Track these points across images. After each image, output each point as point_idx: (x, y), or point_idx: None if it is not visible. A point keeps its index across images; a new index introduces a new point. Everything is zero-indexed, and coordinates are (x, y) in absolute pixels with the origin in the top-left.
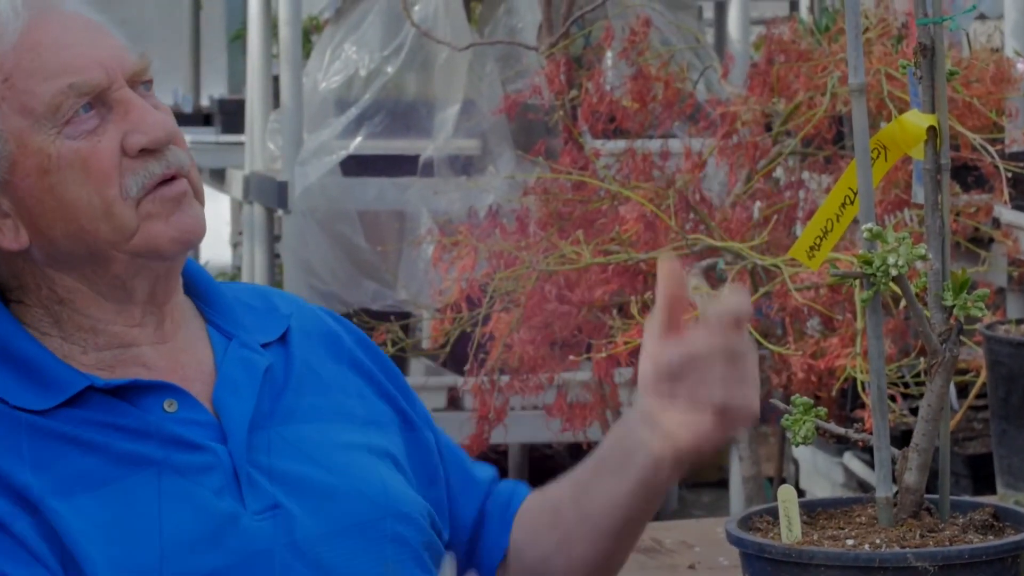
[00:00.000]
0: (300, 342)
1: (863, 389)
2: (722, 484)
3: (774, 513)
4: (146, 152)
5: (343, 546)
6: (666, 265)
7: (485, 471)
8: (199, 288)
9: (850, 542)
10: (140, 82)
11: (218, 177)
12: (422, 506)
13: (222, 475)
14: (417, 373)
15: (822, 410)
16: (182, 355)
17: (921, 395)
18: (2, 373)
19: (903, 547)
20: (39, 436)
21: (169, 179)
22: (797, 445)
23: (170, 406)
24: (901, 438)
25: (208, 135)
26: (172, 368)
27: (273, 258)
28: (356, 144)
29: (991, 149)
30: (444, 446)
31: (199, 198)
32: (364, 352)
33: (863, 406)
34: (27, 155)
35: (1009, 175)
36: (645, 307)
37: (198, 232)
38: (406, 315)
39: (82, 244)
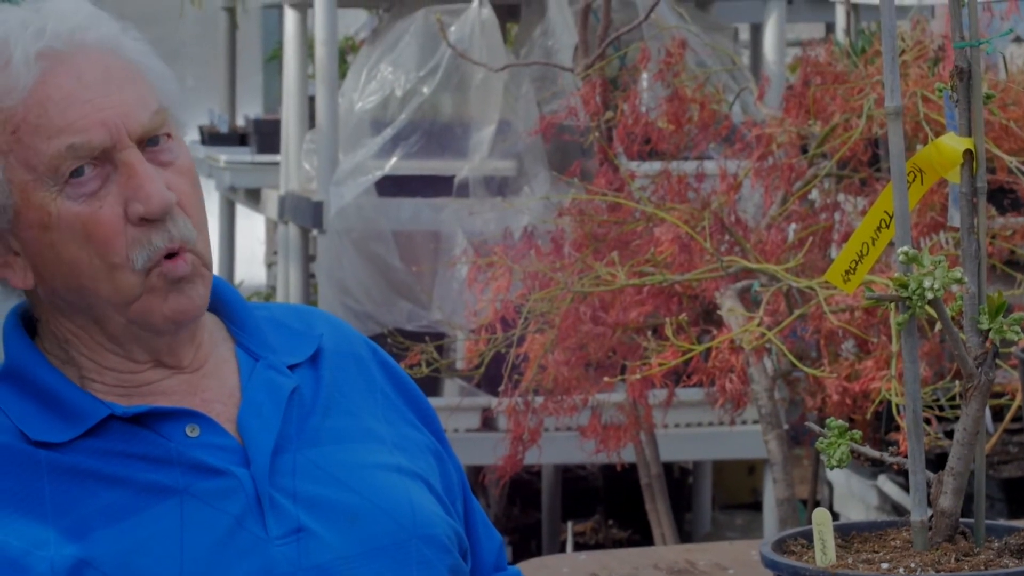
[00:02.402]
0: (331, 362)
1: (898, 412)
2: (756, 506)
3: (808, 536)
4: (147, 221)
5: (369, 568)
6: None
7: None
8: (229, 309)
9: (885, 566)
10: (151, 138)
11: (253, 197)
12: (450, 529)
13: (244, 500)
14: (451, 394)
15: (857, 433)
16: (205, 380)
17: (956, 418)
18: (24, 404)
19: (938, 571)
20: (60, 475)
21: (175, 252)
22: (832, 468)
23: (192, 431)
24: (936, 461)
25: (244, 155)
26: (192, 392)
27: (308, 278)
28: (391, 164)
29: None
30: (467, 489)
31: (207, 266)
32: (398, 391)
33: (898, 429)
34: (30, 208)
35: None
36: (679, 328)
37: (193, 314)
38: (441, 335)
39: (82, 298)
